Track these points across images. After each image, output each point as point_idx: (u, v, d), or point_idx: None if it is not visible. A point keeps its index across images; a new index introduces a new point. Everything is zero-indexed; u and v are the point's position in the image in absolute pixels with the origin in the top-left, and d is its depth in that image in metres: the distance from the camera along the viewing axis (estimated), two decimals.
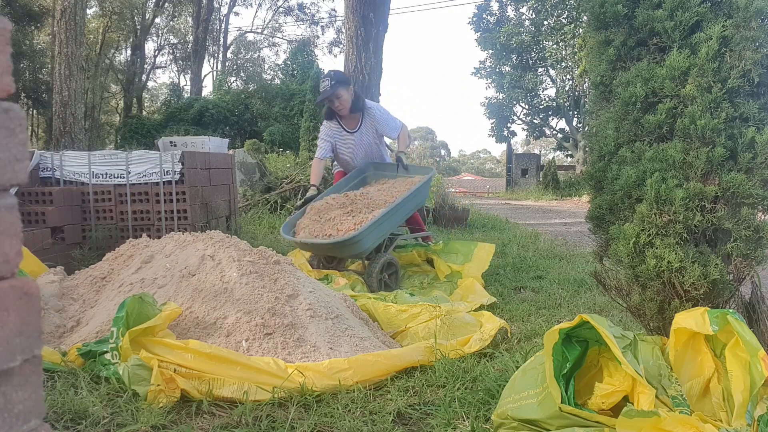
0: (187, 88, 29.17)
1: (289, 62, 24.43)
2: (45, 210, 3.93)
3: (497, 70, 26.11)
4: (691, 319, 1.59)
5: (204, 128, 20.32)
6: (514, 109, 26.51)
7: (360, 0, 7.60)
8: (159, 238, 3.07)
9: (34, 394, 0.60)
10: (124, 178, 4.25)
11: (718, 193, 1.84)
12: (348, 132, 4.31)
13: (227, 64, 33.07)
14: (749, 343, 1.48)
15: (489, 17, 26.66)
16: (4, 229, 0.58)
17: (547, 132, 27.35)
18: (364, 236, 3.47)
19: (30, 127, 25.09)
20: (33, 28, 20.92)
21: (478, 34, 26.28)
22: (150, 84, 35.70)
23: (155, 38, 32.67)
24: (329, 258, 4.08)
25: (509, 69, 25.83)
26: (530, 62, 25.60)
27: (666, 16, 1.93)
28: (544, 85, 26.11)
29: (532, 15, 24.99)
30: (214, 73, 33.05)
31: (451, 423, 1.80)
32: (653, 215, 1.89)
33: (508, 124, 26.79)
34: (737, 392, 1.47)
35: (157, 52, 33.24)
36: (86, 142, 11.62)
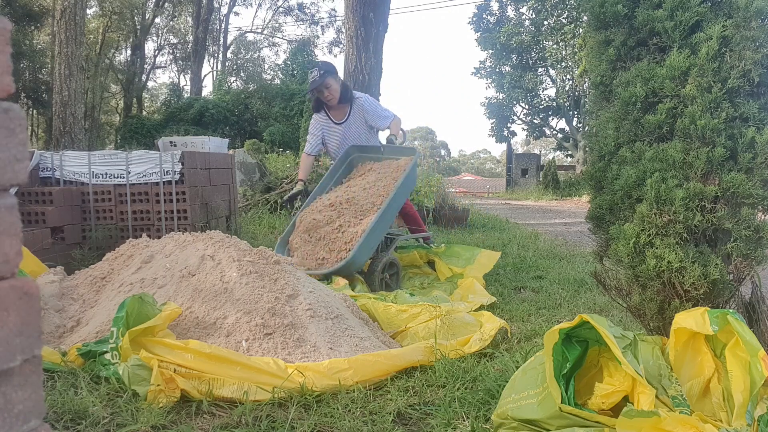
0: (187, 88, 29.17)
1: (289, 62, 24.43)
2: (45, 210, 3.93)
3: (497, 70, 26.11)
4: (691, 319, 1.59)
5: (204, 128, 20.32)
6: (514, 109, 26.51)
7: (360, 0, 7.60)
8: (159, 238, 3.07)
9: (34, 394, 0.60)
10: (124, 178, 4.25)
11: (718, 193, 1.84)
12: (335, 123, 4.28)
13: (227, 64, 33.09)
14: (749, 343, 1.48)
15: (489, 17, 26.66)
16: (4, 229, 0.58)
17: (547, 132, 27.36)
18: (358, 255, 3.44)
19: (30, 127, 25.09)
20: (33, 28, 20.92)
21: (478, 34, 26.28)
22: (150, 84, 35.74)
23: (155, 38, 32.71)
24: None
25: (509, 69, 25.83)
26: (530, 62, 25.60)
27: (666, 16, 1.93)
28: (544, 85, 26.12)
29: (532, 15, 24.99)
30: (214, 73, 33.06)
31: (451, 423, 1.80)
32: (653, 215, 1.89)
33: (508, 124, 26.79)
34: (737, 392, 1.47)
35: (157, 52, 33.27)
36: (86, 142, 11.62)
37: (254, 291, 2.38)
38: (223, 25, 32.61)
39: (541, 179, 21.87)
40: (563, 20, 23.30)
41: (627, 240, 1.95)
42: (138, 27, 28.98)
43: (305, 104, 17.68)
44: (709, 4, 1.91)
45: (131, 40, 29.32)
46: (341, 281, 3.48)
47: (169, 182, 4.25)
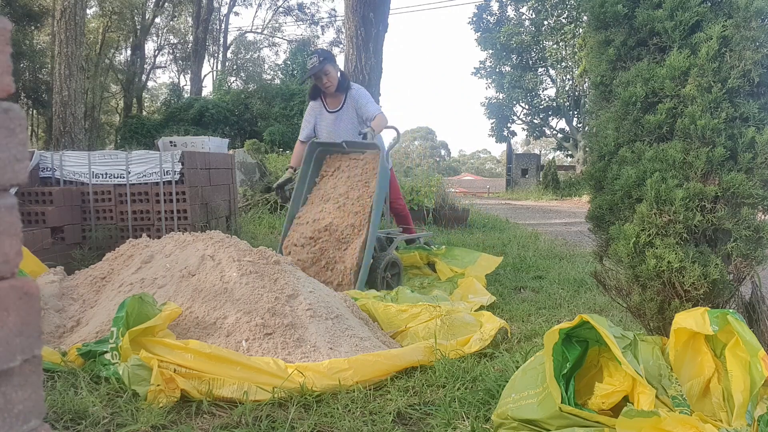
0: (187, 88, 29.16)
1: (289, 62, 24.42)
2: (45, 210, 3.93)
3: (497, 70, 26.11)
4: (691, 319, 1.59)
5: (204, 128, 20.31)
6: (514, 109, 26.51)
7: (360, 0, 7.60)
8: (159, 238, 3.07)
9: (34, 394, 0.60)
10: (124, 178, 4.25)
11: (718, 193, 1.84)
12: (329, 111, 4.26)
13: (227, 64, 33.08)
14: (749, 343, 1.48)
15: (489, 17, 26.66)
16: (4, 229, 0.58)
17: (547, 132, 27.36)
18: (361, 286, 3.43)
19: (30, 127, 25.09)
20: (33, 28, 20.91)
21: (478, 34, 26.28)
22: (150, 84, 35.72)
23: (155, 38, 32.70)
24: None
25: (509, 69, 25.82)
26: (530, 62, 25.59)
27: (666, 16, 1.93)
28: (544, 85, 26.11)
29: (532, 15, 24.99)
30: (214, 73, 33.05)
31: (451, 423, 1.80)
32: (653, 215, 1.89)
33: (508, 124, 26.79)
34: (737, 392, 1.47)
35: (157, 52, 33.26)
36: (86, 142, 11.62)
37: (254, 291, 2.38)
38: (223, 25, 32.62)
39: (541, 179, 21.87)
40: (563, 20, 23.30)
41: (627, 240, 1.95)
42: (138, 27, 28.97)
43: (305, 104, 17.68)
44: (709, 4, 1.91)
45: (131, 40, 29.32)
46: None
47: (169, 182, 4.25)
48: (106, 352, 2.04)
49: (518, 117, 26.89)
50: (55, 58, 11.46)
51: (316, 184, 4.06)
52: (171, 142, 7.31)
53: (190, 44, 28.96)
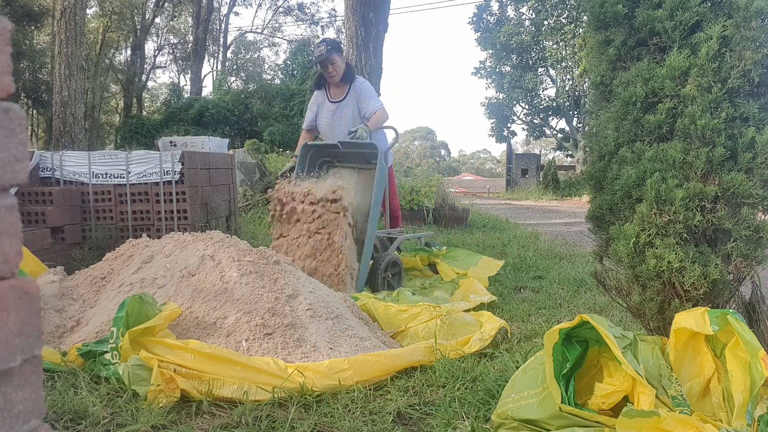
0: (187, 88, 29.16)
1: (289, 62, 24.42)
2: (45, 210, 3.93)
3: (497, 70, 26.11)
4: (691, 319, 1.59)
5: (204, 128, 20.30)
6: (514, 109, 26.51)
7: (360, 0, 7.60)
8: (159, 238, 3.07)
9: (34, 394, 0.60)
10: (124, 178, 4.25)
11: (718, 193, 1.84)
12: (331, 101, 4.26)
13: (227, 64, 33.08)
14: (749, 343, 1.48)
15: (489, 17, 26.66)
16: (4, 229, 0.58)
17: (547, 132, 27.36)
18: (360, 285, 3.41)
19: (30, 127, 25.09)
20: (33, 28, 20.91)
21: (478, 34, 26.28)
22: (150, 84, 35.72)
23: (155, 38, 32.70)
24: None
25: (509, 69, 25.83)
26: (530, 62, 25.60)
27: (666, 16, 1.93)
28: (544, 85, 26.12)
29: (532, 15, 24.99)
30: (214, 73, 33.05)
31: (451, 423, 1.80)
32: (653, 215, 1.89)
33: (508, 124, 26.79)
34: (737, 392, 1.47)
35: (157, 52, 33.26)
36: (86, 142, 11.62)
37: (254, 291, 2.38)
38: (223, 25, 32.62)
39: (541, 179, 21.87)
40: (563, 20, 23.30)
41: (627, 240, 1.95)
42: (138, 27, 28.97)
43: (305, 104, 17.67)
44: (709, 4, 1.91)
45: (131, 40, 29.31)
46: None
47: (169, 182, 4.25)
48: (106, 352, 2.04)
49: (518, 117, 26.90)
50: (55, 58, 11.45)
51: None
52: (171, 142, 7.31)
53: (190, 44, 28.95)
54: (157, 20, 30.77)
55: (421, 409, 1.92)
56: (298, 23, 34.83)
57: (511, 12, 26.39)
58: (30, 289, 0.60)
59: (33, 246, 3.65)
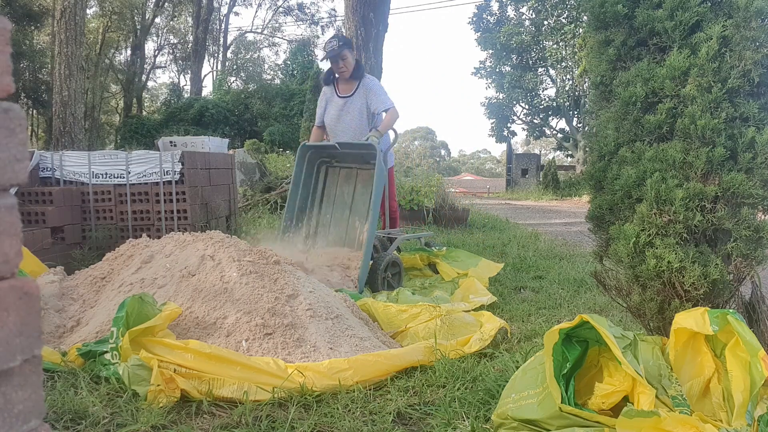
0: (187, 88, 29.17)
1: (289, 62, 24.43)
2: (45, 210, 3.93)
3: (497, 70, 26.10)
4: (691, 319, 1.59)
5: (204, 128, 20.31)
6: (514, 109, 26.50)
7: (360, 0, 7.60)
8: (159, 238, 3.07)
9: (34, 394, 0.60)
10: (124, 178, 4.25)
11: (718, 193, 1.84)
12: (339, 96, 4.27)
13: (227, 64, 33.08)
14: (749, 343, 1.48)
15: (489, 17, 26.66)
16: (4, 229, 0.58)
17: (547, 132, 27.35)
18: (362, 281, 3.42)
19: (30, 127, 25.08)
20: (33, 28, 20.90)
21: (478, 34, 26.27)
22: (150, 84, 35.71)
23: (155, 38, 32.69)
24: None
25: (509, 69, 25.82)
26: (530, 62, 25.59)
27: (666, 16, 1.93)
28: (544, 85, 26.10)
29: (532, 15, 24.99)
30: (214, 73, 33.06)
31: (451, 423, 1.80)
32: (653, 215, 1.89)
33: (508, 124, 26.78)
34: (737, 392, 1.47)
35: (157, 52, 33.25)
36: (86, 142, 11.61)
37: (254, 291, 2.38)
38: (223, 25, 32.62)
39: (541, 179, 21.87)
40: (563, 20, 23.29)
41: (627, 240, 1.95)
42: (138, 27, 28.97)
43: (305, 104, 17.67)
44: (709, 4, 1.91)
45: (131, 40, 29.31)
46: None
47: (169, 182, 4.25)
48: (106, 352, 2.04)
49: (518, 117, 26.89)
50: (55, 58, 11.45)
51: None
52: (171, 142, 7.31)
53: (190, 44, 28.95)
54: (157, 20, 30.79)
55: (421, 409, 1.92)
56: (298, 23, 34.86)
57: (511, 12, 26.39)
58: (30, 289, 0.60)
59: (33, 246, 3.65)
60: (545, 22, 24.15)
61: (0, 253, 0.57)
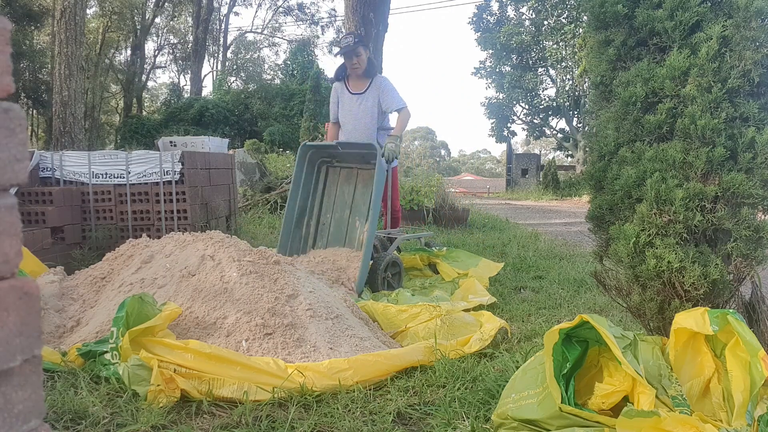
0: (187, 88, 29.18)
1: (289, 62, 24.45)
2: (45, 210, 3.93)
3: (497, 70, 26.10)
4: (691, 319, 1.59)
5: (204, 128, 20.32)
6: (514, 109, 26.51)
7: (360, 0, 7.60)
8: (159, 238, 3.07)
9: (34, 394, 0.60)
10: (124, 178, 4.25)
11: (718, 193, 1.84)
12: (351, 93, 4.29)
13: (227, 64, 33.08)
14: (749, 343, 1.48)
15: (489, 17, 26.66)
16: (4, 229, 0.58)
17: (547, 132, 27.35)
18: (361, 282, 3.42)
19: (30, 127, 25.08)
20: (33, 28, 20.90)
21: (478, 34, 26.28)
22: (150, 84, 35.72)
23: (155, 38, 32.70)
24: None
25: (509, 69, 25.82)
26: (530, 62, 25.59)
27: (666, 16, 1.93)
28: (544, 85, 26.10)
29: (532, 15, 24.99)
30: (214, 73, 33.07)
31: (451, 423, 1.80)
32: (653, 215, 1.89)
33: (508, 124, 26.78)
34: (737, 392, 1.47)
35: (157, 52, 33.26)
36: (86, 142, 11.60)
37: (254, 291, 2.38)
38: (223, 25, 32.62)
39: (541, 179, 21.87)
40: (563, 20, 23.29)
41: (627, 240, 1.95)
42: (138, 27, 28.97)
43: (305, 104, 17.68)
44: (709, 4, 1.91)
45: (131, 40, 29.31)
46: None
47: (169, 182, 4.25)
48: (106, 352, 2.04)
49: (518, 117, 26.89)
50: (55, 58, 11.45)
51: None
52: (171, 142, 7.31)
53: (190, 44, 28.95)
54: (157, 20, 30.79)
55: (421, 409, 1.92)
56: (298, 23, 34.86)
57: (511, 12, 26.39)
58: (30, 289, 0.60)
59: (33, 246, 3.65)
60: (545, 22, 24.15)
61: (0, 253, 0.57)
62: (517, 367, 1.88)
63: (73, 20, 9.94)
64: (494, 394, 1.91)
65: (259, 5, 34.70)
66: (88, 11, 23.28)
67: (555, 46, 23.72)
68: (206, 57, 30.81)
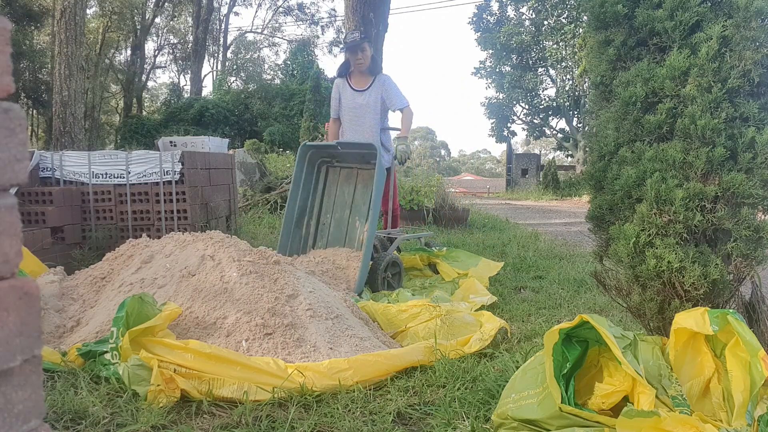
0: (187, 88, 29.17)
1: (289, 62, 24.46)
2: (45, 210, 3.93)
3: (497, 70, 26.10)
4: (691, 319, 1.59)
5: (204, 128, 20.32)
6: (514, 109, 26.51)
7: (360, 0, 7.60)
8: (159, 238, 3.07)
9: (34, 394, 0.60)
10: (124, 178, 4.25)
11: (718, 193, 1.84)
12: (354, 89, 4.29)
13: (227, 64, 33.08)
14: (749, 343, 1.48)
15: (489, 17, 26.66)
16: (4, 229, 0.58)
17: (547, 132, 27.35)
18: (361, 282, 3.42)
19: (30, 127, 25.08)
20: (33, 28, 20.90)
21: (478, 34, 26.28)
22: (150, 84, 35.72)
23: (155, 38, 32.70)
24: None
25: (509, 69, 25.82)
26: (530, 62, 25.59)
27: (666, 16, 1.93)
28: (544, 85, 26.10)
29: (532, 15, 24.99)
30: (214, 73, 33.07)
31: (451, 423, 1.80)
32: (653, 215, 1.89)
33: (508, 124, 26.78)
34: (737, 392, 1.47)
35: (157, 52, 33.26)
36: (86, 142, 11.61)
37: (254, 291, 2.38)
38: (223, 25, 32.61)
39: (541, 179, 21.87)
40: (563, 20, 23.29)
41: (627, 240, 1.95)
42: (138, 27, 28.97)
43: (305, 104, 17.69)
44: (709, 4, 1.91)
45: (131, 40, 29.31)
46: None
47: (169, 182, 4.25)
48: (106, 352, 2.04)
49: (518, 117, 26.89)
50: (55, 58, 11.44)
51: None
52: (171, 142, 7.31)
53: (190, 44, 28.95)
54: (157, 20, 30.79)
55: (421, 409, 1.92)
56: (298, 23, 34.86)
57: (511, 12, 26.39)
58: (30, 289, 0.60)
59: (33, 246, 3.65)
60: (545, 22, 24.16)
61: (0, 253, 0.57)
62: (517, 367, 1.88)
63: (73, 20, 9.94)
64: (494, 394, 1.91)
65: (259, 5, 34.71)
66: (88, 11, 23.28)
67: (555, 46, 23.72)
68: (206, 57, 30.82)
